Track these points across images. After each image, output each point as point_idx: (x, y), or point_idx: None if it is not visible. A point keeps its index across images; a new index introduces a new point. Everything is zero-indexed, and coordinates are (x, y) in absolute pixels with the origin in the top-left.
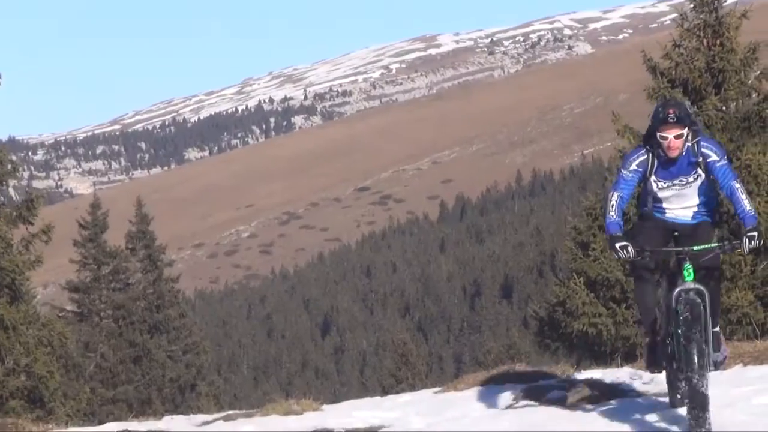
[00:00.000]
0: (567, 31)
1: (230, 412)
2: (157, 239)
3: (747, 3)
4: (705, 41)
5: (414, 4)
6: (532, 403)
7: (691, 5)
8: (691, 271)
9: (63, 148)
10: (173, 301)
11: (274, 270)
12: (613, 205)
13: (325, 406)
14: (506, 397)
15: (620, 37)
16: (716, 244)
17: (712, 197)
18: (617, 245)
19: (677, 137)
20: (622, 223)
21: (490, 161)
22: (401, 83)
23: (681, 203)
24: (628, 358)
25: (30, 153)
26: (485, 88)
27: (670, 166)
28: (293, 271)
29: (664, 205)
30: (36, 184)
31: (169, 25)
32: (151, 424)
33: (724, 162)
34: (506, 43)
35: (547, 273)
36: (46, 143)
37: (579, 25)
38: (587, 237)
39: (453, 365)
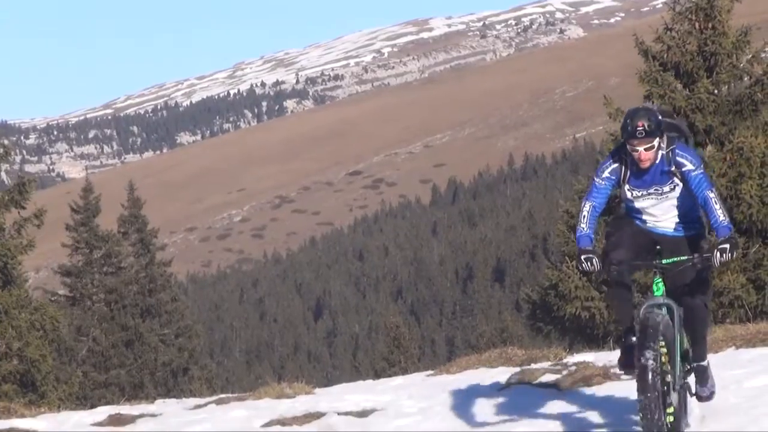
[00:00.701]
0: (559, 15)
1: (222, 395)
2: (150, 223)
3: None
4: (697, 24)
5: None
6: (524, 386)
7: None
8: (660, 285)
9: (55, 133)
10: (165, 285)
11: (267, 254)
12: (584, 216)
13: (317, 390)
14: (498, 380)
15: (612, 20)
16: (686, 257)
17: (696, 207)
18: (583, 257)
19: (647, 149)
20: (592, 235)
21: (482, 145)
22: (393, 67)
23: (661, 214)
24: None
25: (22, 137)
26: (477, 72)
27: (643, 175)
28: (285, 255)
29: (644, 216)
30: (28, 168)
31: (161, 9)
32: (144, 407)
33: (699, 171)
34: (498, 26)
35: (539, 257)
36: (38, 127)
37: (571, 9)
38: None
39: (445, 348)
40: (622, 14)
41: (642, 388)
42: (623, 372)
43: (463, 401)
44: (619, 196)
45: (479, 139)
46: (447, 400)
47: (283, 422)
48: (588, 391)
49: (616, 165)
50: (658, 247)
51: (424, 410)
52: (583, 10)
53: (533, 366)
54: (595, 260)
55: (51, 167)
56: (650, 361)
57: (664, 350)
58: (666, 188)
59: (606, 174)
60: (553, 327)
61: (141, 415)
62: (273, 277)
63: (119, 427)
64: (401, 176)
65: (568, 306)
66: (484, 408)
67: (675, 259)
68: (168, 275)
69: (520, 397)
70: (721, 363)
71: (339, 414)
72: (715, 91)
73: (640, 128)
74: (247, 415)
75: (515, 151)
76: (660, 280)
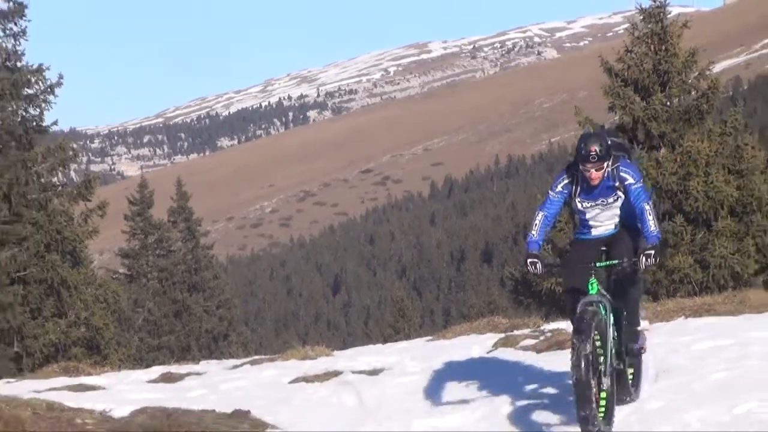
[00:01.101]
0: (537, 39)
1: (256, 357)
2: (195, 213)
3: (687, 14)
4: (652, 47)
5: (408, 15)
6: (508, 349)
7: (641, 17)
8: (594, 285)
9: (115, 138)
10: (208, 265)
11: (293, 239)
12: (536, 224)
13: (335, 352)
14: (486, 344)
15: (581, 44)
16: (617, 261)
17: (634, 212)
18: (528, 260)
19: (598, 170)
20: (540, 242)
21: (473, 148)
22: (398, 83)
23: (605, 220)
24: None
25: (88, 141)
26: (468, 87)
27: (592, 189)
28: (308, 240)
29: (591, 223)
30: (93, 167)
31: (204, 32)
32: (190, 367)
33: (639, 185)
34: (486, 49)
35: (520, 241)
36: (101, 133)
37: (547, 34)
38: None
39: (442, 318)
40: (590, 38)
41: (576, 375)
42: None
43: (457, 362)
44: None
45: (471, 144)
46: (444, 361)
47: (306, 379)
48: (561, 353)
49: (568, 181)
50: (603, 248)
51: (425, 369)
52: (557, 35)
53: (515, 332)
54: (538, 264)
55: (112, 167)
56: (584, 352)
57: (599, 342)
58: (610, 199)
59: (559, 188)
60: (532, 300)
61: (188, 374)
62: (298, 259)
63: (170, 383)
64: (405, 174)
65: (544, 282)
66: (474, 367)
67: (607, 263)
68: (210, 257)
69: (504, 358)
70: (672, 330)
71: (353, 372)
72: (668, 103)
73: (593, 153)
74: (276, 374)
75: (500, 153)
76: (594, 280)
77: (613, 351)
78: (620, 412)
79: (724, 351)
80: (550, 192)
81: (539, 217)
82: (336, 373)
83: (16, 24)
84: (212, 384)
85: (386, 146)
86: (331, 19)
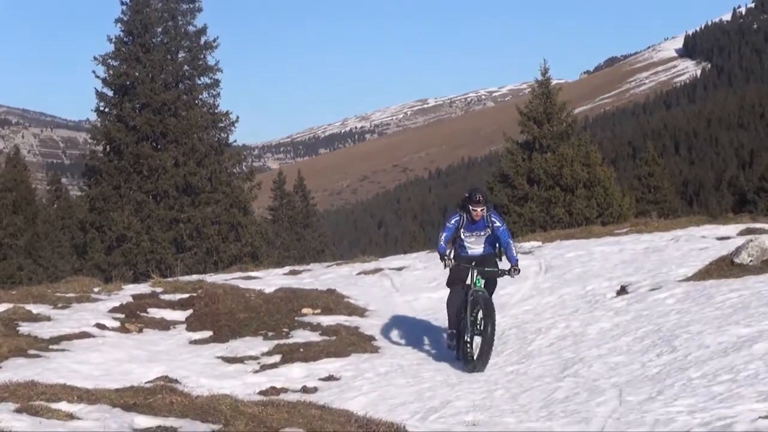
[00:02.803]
0: (483, 96)
1: (339, 261)
2: (306, 187)
3: (560, 83)
4: (542, 100)
5: (416, 80)
6: None
7: (537, 85)
8: (479, 281)
9: (266, 148)
10: (313, 214)
11: (358, 201)
12: (441, 240)
13: (379, 259)
14: None
15: (506, 99)
16: (498, 270)
17: (493, 242)
18: (444, 257)
19: (480, 210)
20: (446, 248)
21: (450, 153)
22: (411, 119)
23: (478, 245)
24: (514, 236)
25: (251, 150)
26: (447, 122)
27: (472, 225)
28: (365, 200)
29: (467, 245)
30: (255, 164)
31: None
32: (304, 267)
33: (503, 227)
34: (456, 102)
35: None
36: (258, 146)
37: (488, 94)
38: (496, 189)
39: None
40: (510, 96)
41: (459, 331)
42: (458, 357)
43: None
44: (456, 236)
45: (449, 150)
46: (437, 260)
47: (365, 272)
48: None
49: (457, 218)
50: (474, 262)
51: (426, 267)
52: (494, 94)
53: None
54: (447, 261)
55: (264, 164)
56: (470, 316)
57: (480, 313)
58: (482, 233)
59: (452, 222)
60: None
61: (303, 270)
62: (359, 211)
63: (293, 275)
64: (415, 166)
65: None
66: None
67: (491, 269)
68: (314, 210)
69: None
70: (553, 246)
71: (389, 269)
72: (551, 129)
73: (479, 198)
74: (349, 270)
75: (464, 156)
76: (479, 278)
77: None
78: (520, 291)
79: (581, 257)
80: (447, 224)
81: (443, 236)
82: (379, 269)
83: (215, 88)
84: (316, 275)
85: (405, 153)
86: (382, 84)
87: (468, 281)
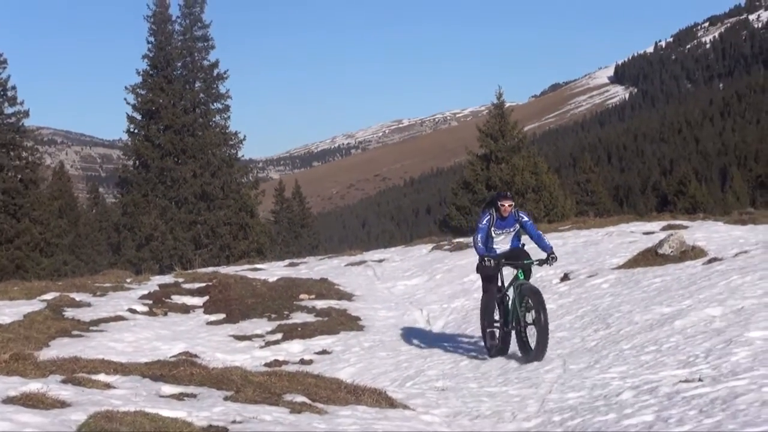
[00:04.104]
0: (448, 117)
1: (330, 254)
2: (302, 193)
3: (513, 105)
4: (498, 119)
5: (393, 102)
6: (438, 250)
7: (493, 107)
8: (522, 273)
9: (268, 161)
10: (308, 216)
11: (345, 205)
12: (477, 241)
13: (364, 252)
14: (428, 247)
15: (468, 119)
16: (534, 260)
17: (519, 238)
18: (485, 257)
19: (509, 205)
20: (484, 248)
21: (423, 165)
22: (388, 137)
23: (505, 243)
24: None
25: (257, 164)
26: (420, 138)
27: (502, 222)
28: (351, 204)
29: (496, 242)
30: (260, 174)
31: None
32: (301, 260)
33: (530, 221)
34: (426, 122)
35: (444, 204)
36: (262, 159)
37: (452, 115)
38: (459, 194)
39: (410, 238)
40: (471, 116)
41: (504, 326)
42: (497, 353)
43: (416, 255)
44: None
45: (420, 162)
46: (410, 256)
47: (352, 264)
48: (460, 252)
49: (488, 217)
50: (503, 258)
51: (403, 259)
52: (457, 115)
53: (441, 243)
54: (492, 260)
55: (267, 174)
56: (520, 308)
57: (531, 303)
58: (512, 229)
59: (484, 222)
60: (449, 230)
61: (300, 263)
62: (346, 214)
63: (292, 267)
64: (393, 176)
65: (452, 222)
66: (423, 257)
67: (529, 261)
68: (309, 213)
69: (437, 253)
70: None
71: (372, 261)
72: (505, 143)
73: (508, 194)
74: (339, 262)
75: (432, 167)
76: (522, 271)
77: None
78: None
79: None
80: (479, 224)
81: (478, 238)
82: (363, 261)
83: (225, 112)
84: (310, 267)
85: (384, 164)
86: (364, 107)
87: (498, 282)
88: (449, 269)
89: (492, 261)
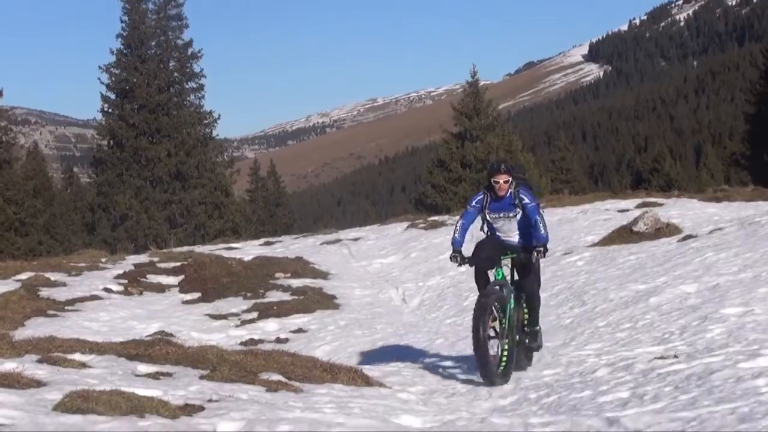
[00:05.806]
0: (423, 95)
1: (305, 233)
2: (278, 173)
3: (487, 84)
4: (473, 98)
5: (368, 81)
6: (413, 228)
7: (468, 85)
8: (500, 272)
9: (243, 140)
10: (283, 194)
11: (320, 183)
12: (457, 229)
13: (339, 231)
14: (404, 226)
15: (442, 97)
16: (515, 254)
17: (529, 225)
18: (452, 254)
19: (505, 182)
20: (462, 240)
21: (398, 143)
22: (363, 115)
23: (511, 232)
24: (449, 211)
25: (232, 143)
26: (396, 117)
27: (497, 204)
28: (327, 182)
29: (498, 232)
30: (235, 153)
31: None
32: (276, 238)
33: (533, 204)
34: (401, 100)
35: (420, 184)
36: (237, 138)
37: (427, 93)
38: (434, 172)
39: (385, 217)
40: (446, 95)
41: (475, 338)
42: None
43: (391, 234)
44: (482, 218)
45: (395, 140)
46: (385, 234)
47: (327, 242)
48: (437, 230)
49: (481, 197)
50: (508, 252)
51: (378, 238)
52: (432, 93)
53: (416, 221)
54: (458, 258)
55: (242, 153)
56: (481, 320)
57: (502, 313)
58: (511, 214)
59: (474, 203)
60: (424, 208)
61: (275, 241)
62: (322, 192)
63: (267, 246)
64: (367, 154)
65: (428, 200)
66: (398, 236)
67: (509, 255)
68: (284, 191)
69: (412, 231)
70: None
71: (347, 239)
72: (480, 122)
73: (502, 167)
74: (314, 240)
75: (410, 145)
76: (500, 270)
77: (515, 326)
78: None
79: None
80: (468, 206)
81: (459, 224)
82: (339, 240)
83: (200, 91)
84: (286, 245)
85: (359, 143)
86: (339, 85)
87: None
88: (424, 247)
89: (459, 260)
